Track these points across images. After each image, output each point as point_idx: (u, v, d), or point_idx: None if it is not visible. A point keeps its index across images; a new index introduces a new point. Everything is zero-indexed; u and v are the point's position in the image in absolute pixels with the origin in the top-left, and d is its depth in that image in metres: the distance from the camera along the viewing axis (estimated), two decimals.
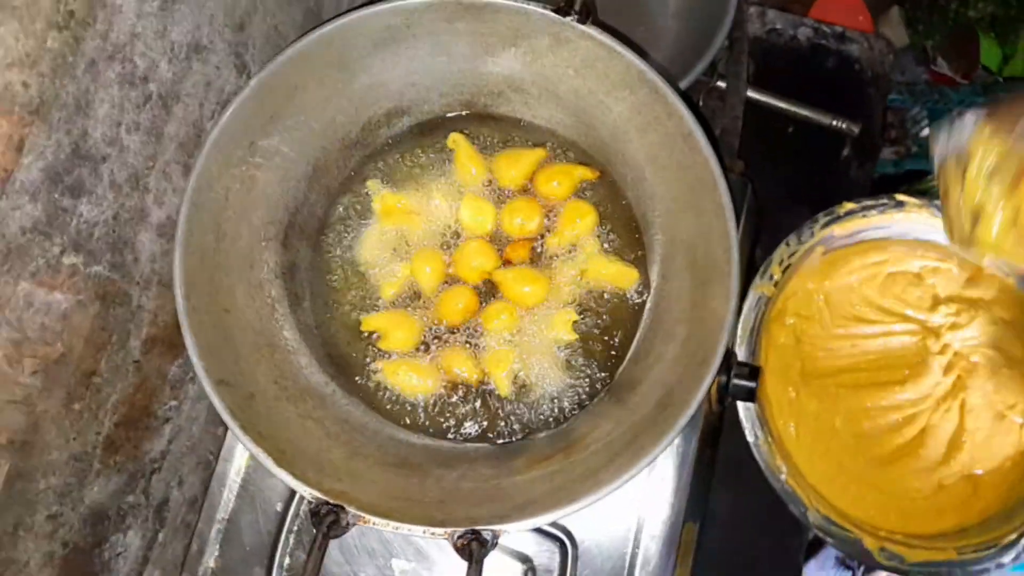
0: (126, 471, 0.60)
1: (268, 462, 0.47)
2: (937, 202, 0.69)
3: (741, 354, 0.69)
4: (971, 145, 0.54)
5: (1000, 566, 0.59)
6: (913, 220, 0.70)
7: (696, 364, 0.51)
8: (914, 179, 1.23)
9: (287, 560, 0.58)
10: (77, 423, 0.54)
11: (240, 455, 0.60)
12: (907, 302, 0.70)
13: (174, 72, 0.54)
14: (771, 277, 0.70)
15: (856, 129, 0.80)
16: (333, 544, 0.55)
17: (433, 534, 0.46)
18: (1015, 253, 0.57)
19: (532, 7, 0.53)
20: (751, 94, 0.80)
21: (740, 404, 0.67)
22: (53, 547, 0.54)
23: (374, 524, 0.46)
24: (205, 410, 0.69)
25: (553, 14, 0.53)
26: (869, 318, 0.71)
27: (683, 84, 0.73)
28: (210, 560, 0.59)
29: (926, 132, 1.29)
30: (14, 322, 0.46)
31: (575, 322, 0.59)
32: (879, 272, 0.72)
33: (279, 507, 0.60)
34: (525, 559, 0.58)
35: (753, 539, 0.76)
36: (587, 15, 0.53)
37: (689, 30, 0.81)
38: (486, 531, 0.46)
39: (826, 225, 0.70)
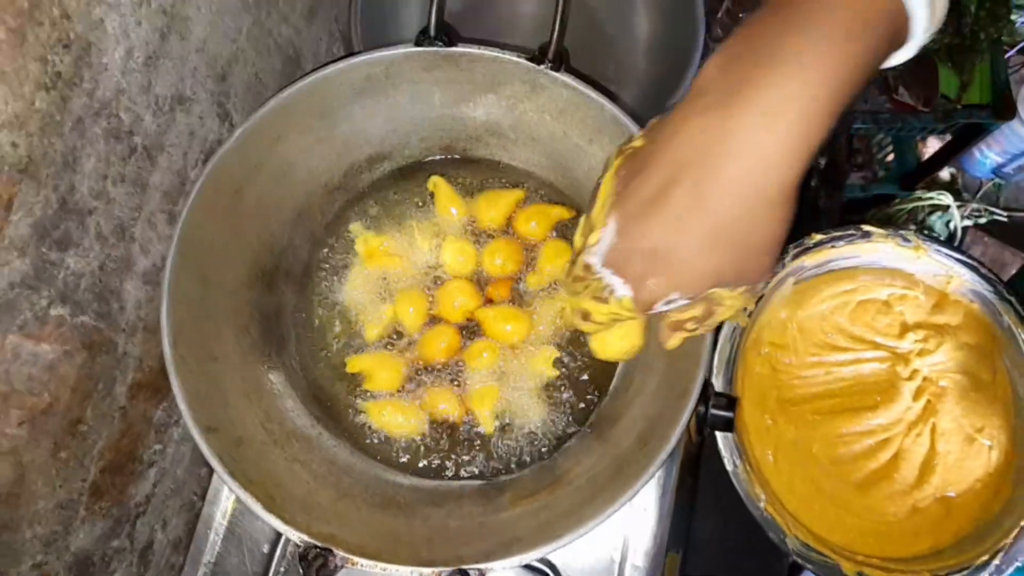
0: (111, 516, 0.60)
1: (257, 507, 0.48)
2: (903, 232, 0.72)
3: (719, 384, 0.71)
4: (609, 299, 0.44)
5: None
6: (880, 249, 0.72)
7: (675, 397, 0.53)
8: (882, 203, 1.27)
9: None
10: (63, 471, 0.54)
11: (226, 497, 0.61)
12: (877, 329, 0.72)
13: (158, 124, 0.55)
14: (745, 308, 0.72)
15: (823, 161, 0.83)
16: None
17: (421, 574, 0.47)
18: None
19: (507, 56, 0.55)
20: None
21: (719, 433, 0.68)
22: None
23: (362, 566, 0.47)
24: (189, 452, 0.69)
25: (527, 62, 0.54)
26: (841, 345, 0.73)
27: (658, 118, 0.75)
28: None
29: (891, 157, 1.33)
30: (1, 375, 0.47)
31: (556, 359, 0.60)
32: (849, 300, 0.74)
33: (266, 548, 0.60)
34: None
35: (736, 564, 0.77)
36: (560, 63, 0.55)
37: (659, 67, 0.84)
38: (472, 570, 0.47)
39: (796, 256, 0.72)
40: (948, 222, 1.30)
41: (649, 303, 0.42)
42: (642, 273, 0.41)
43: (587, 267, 0.43)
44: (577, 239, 0.46)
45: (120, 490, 0.60)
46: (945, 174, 1.39)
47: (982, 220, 1.32)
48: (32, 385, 0.49)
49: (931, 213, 1.26)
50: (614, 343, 0.50)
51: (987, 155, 1.33)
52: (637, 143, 0.43)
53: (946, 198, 1.30)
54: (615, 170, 0.44)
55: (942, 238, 1.20)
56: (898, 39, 0.38)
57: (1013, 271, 1.23)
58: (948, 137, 1.27)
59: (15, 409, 0.48)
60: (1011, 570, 0.61)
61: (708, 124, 0.37)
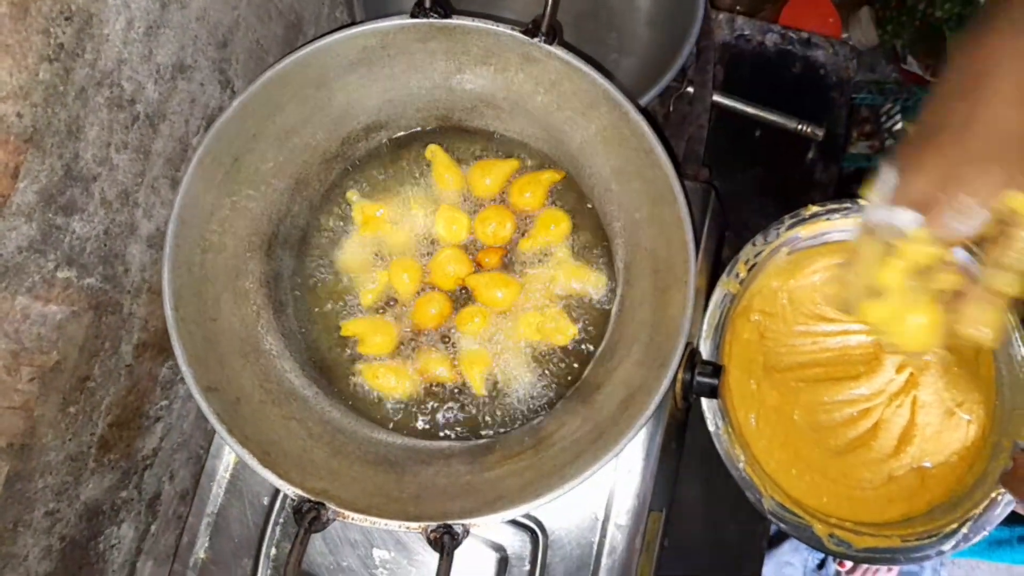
0: (119, 468, 0.64)
1: (253, 463, 0.51)
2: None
3: (706, 347, 0.72)
4: (907, 237, 0.45)
5: (940, 553, 0.63)
6: None
7: (657, 366, 0.55)
8: None
9: (273, 551, 0.62)
10: (72, 425, 0.57)
11: (229, 452, 0.64)
12: None
13: (160, 92, 0.56)
14: (737, 275, 0.73)
15: (820, 133, 0.83)
16: (317, 536, 0.59)
17: (408, 528, 0.50)
18: (901, 340, 0.50)
19: (501, 28, 0.55)
20: (720, 99, 0.83)
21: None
22: (51, 541, 0.58)
23: (353, 520, 0.49)
24: (195, 408, 0.72)
25: (521, 35, 0.55)
26: (829, 317, 0.74)
27: (653, 91, 0.75)
28: (200, 551, 0.63)
29: (899, 126, 1.32)
30: (12, 334, 0.49)
31: (544, 325, 0.62)
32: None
33: (266, 501, 0.63)
34: (499, 548, 0.62)
35: (718, 524, 0.80)
36: (554, 36, 0.55)
37: (660, 37, 0.84)
38: (457, 525, 0.49)
39: (792, 227, 0.73)
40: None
41: (940, 219, 0.42)
42: (931, 187, 0.42)
43: (869, 228, 0.45)
44: (851, 281, 0.48)
45: (127, 444, 0.63)
46: None
47: None
48: (41, 344, 0.52)
49: None
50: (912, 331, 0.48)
51: None
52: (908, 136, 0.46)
53: None
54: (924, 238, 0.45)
55: None
56: None
57: None
58: None
59: (25, 366, 0.51)
60: (978, 538, 0.63)
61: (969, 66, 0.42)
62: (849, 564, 1.16)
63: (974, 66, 0.43)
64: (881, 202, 0.45)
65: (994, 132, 0.41)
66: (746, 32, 0.89)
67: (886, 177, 0.44)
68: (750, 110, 0.84)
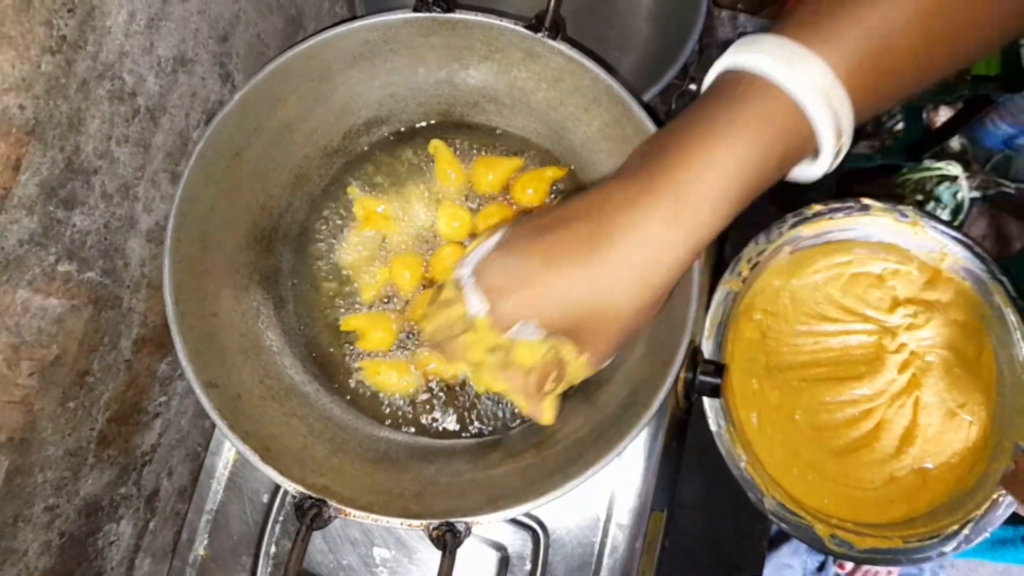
0: (118, 464, 0.63)
1: (254, 459, 0.50)
2: (901, 207, 0.72)
3: (708, 347, 0.72)
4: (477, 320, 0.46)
5: (942, 554, 0.63)
6: (877, 223, 0.73)
7: (660, 364, 0.54)
8: (889, 173, 1.26)
9: (273, 548, 0.62)
10: (72, 420, 0.56)
11: (228, 449, 0.63)
12: (868, 302, 0.73)
13: (161, 85, 0.56)
14: (739, 274, 0.73)
15: None
16: (317, 534, 0.59)
17: (410, 526, 0.49)
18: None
19: (504, 23, 0.55)
20: None
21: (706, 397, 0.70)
22: (50, 537, 0.57)
23: (354, 517, 0.49)
24: (193, 404, 0.72)
25: (525, 30, 0.55)
26: (831, 316, 0.74)
27: (655, 89, 0.75)
28: (200, 548, 0.62)
29: (900, 126, 1.32)
30: (12, 327, 0.49)
31: None
32: (843, 272, 0.75)
33: (265, 498, 0.63)
34: (500, 547, 0.61)
35: (719, 523, 0.80)
36: (557, 31, 0.55)
37: (661, 33, 0.83)
38: (459, 523, 0.49)
39: (794, 225, 0.73)
40: (956, 193, 1.30)
41: (506, 320, 0.43)
42: (507, 289, 0.42)
43: (456, 282, 0.45)
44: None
45: (126, 439, 0.63)
46: (956, 144, 1.38)
47: (991, 192, 1.32)
48: (41, 337, 0.51)
49: (939, 184, 1.26)
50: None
51: (999, 126, 1.32)
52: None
53: (954, 168, 1.30)
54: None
55: (949, 209, 1.20)
56: (803, 155, 0.40)
57: (1019, 245, 1.23)
58: (960, 106, 1.26)
59: (25, 360, 0.51)
60: (979, 540, 0.63)
61: (624, 201, 0.40)
62: (849, 566, 1.16)
63: (605, 201, 0.42)
64: (469, 262, 0.45)
65: (595, 278, 0.41)
66: (748, 30, 0.89)
67: (489, 242, 0.45)
68: None
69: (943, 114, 1.34)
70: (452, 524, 0.49)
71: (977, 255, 0.70)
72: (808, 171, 0.42)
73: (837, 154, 0.40)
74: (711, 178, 0.39)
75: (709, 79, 0.42)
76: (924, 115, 1.31)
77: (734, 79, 0.40)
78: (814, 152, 0.40)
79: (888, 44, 0.37)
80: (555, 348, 0.46)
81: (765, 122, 0.38)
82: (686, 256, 0.41)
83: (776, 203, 0.86)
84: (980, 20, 0.38)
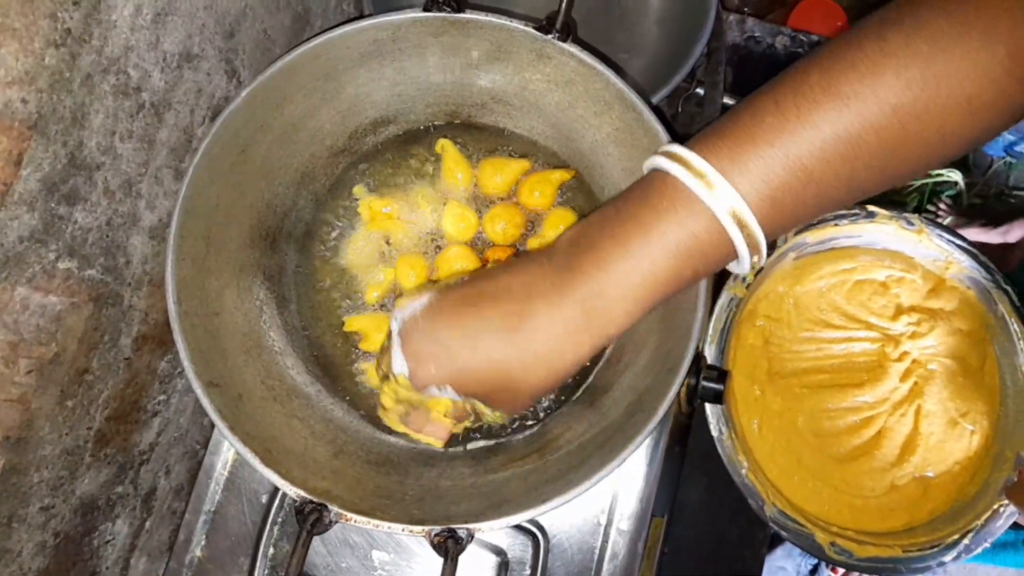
0: (116, 463, 0.63)
1: (255, 461, 0.50)
2: (907, 214, 0.72)
3: (711, 352, 0.72)
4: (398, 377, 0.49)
5: (942, 564, 0.63)
6: (882, 230, 0.73)
7: (665, 372, 0.54)
8: None
9: (271, 550, 0.61)
10: (70, 419, 0.56)
11: (227, 449, 0.63)
12: (871, 310, 0.73)
13: (166, 81, 0.55)
14: (743, 279, 0.73)
15: None
16: (316, 537, 0.58)
17: (411, 532, 0.49)
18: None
19: (515, 24, 0.55)
20: (729, 101, 0.82)
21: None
22: (45, 537, 0.57)
23: (356, 522, 0.49)
24: (193, 402, 0.71)
25: (535, 31, 0.54)
26: (835, 323, 0.74)
27: (663, 92, 0.75)
28: (197, 549, 0.62)
29: None
30: (11, 325, 0.48)
31: None
32: (847, 279, 0.75)
33: (264, 499, 0.62)
34: (499, 552, 0.61)
35: (719, 529, 0.80)
36: (568, 33, 0.55)
37: (670, 36, 0.83)
38: (461, 529, 0.49)
39: (799, 231, 0.73)
40: (956, 199, 1.30)
41: (423, 384, 0.46)
42: (428, 357, 0.45)
43: (388, 333, 0.48)
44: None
45: (124, 438, 0.62)
46: None
47: (991, 198, 1.32)
48: (40, 335, 0.51)
49: (939, 190, 1.26)
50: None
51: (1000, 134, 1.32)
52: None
53: (955, 175, 1.30)
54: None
55: (949, 216, 1.20)
56: (723, 261, 0.43)
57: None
58: None
59: (23, 358, 0.50)
60: (979, 549, 0.63)
61: (548, 287, 0.43)
62: (842, 570, 1.16)
63: (530, 287, 0.44)
64: (398, 317, 0.48)
65: (514, 358, 0.44)
66: (756, 34, 0.88)
67: (418, 303, 0.47)
68: None
69: None
70: (454, 531, 0.49)
71: (982, 264, 0.70)
72: (735, 267, 0.44)
73: (758, 261, 0.43)
74: (628, 284, 0.42)
75: (646, 168, 0.45)
76: None
77: (664, 181, 0.41)
78: (735, 256, 0.42)
79: (806, 175, 0.39)
80: (470, 403, 0.51)
81: (687, 234, 0.40)
82: (589, 351, 0.44)
83: None
84: (908, 150, 0.39)
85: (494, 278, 0.45)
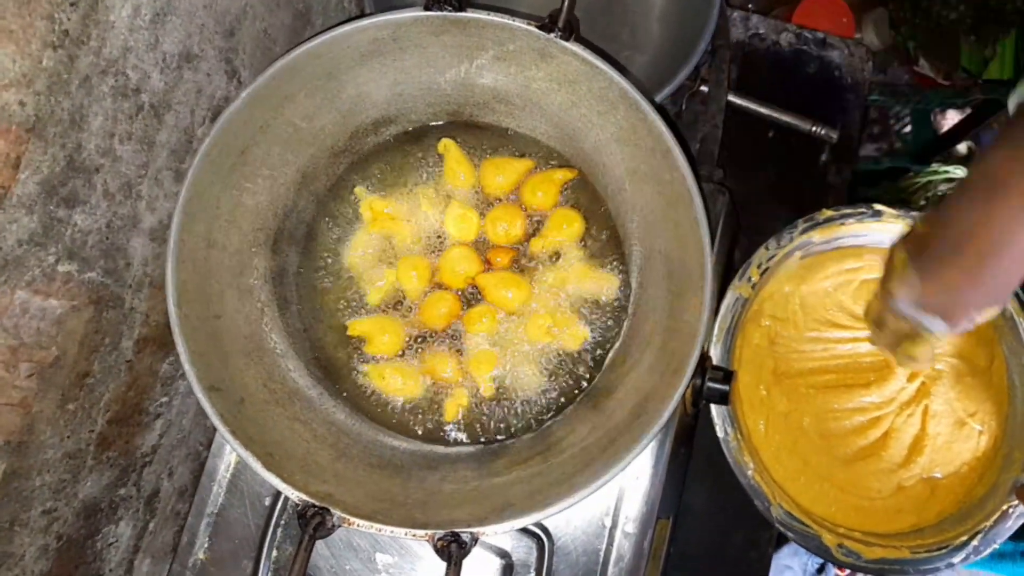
0: (118, 465, 0.62)
1: (257, 465, 0.49)
2: (914, 212, 0.71)
3: (717, 352, 0.71)
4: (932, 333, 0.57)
5: (950, 565, 0.62)
6: (889, 229, 0.72)
7: (670, 373, 0.53)
8: (896, 176, 1.26)
9: (274, 553, 0.61)
10: (71, 422, 0.55)
11: (229, 451, 0.62)
12: None
13: (166, 82, 0.55)
14: (749, 279, 0.72)
15: (835, 136, 0.82)
16: (319, 540, 0.58)
17: (415, 535, 0.48)
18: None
19: (517, 23, 0.54)
20: (733, 99, 0.81)
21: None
22: (48, 540, 0.56)
23: (359, 526, 0.48)
24: (195, 404, 0.71)
25: (537, 30, 0.54)
26: (841, 323, 0.73)
27: (666, 90, 0.74)
28: (200, 552, 0.62)
29: (908, 129, 1.31)
30: (10, 329, 0.48)
31: (554, 327, 0.61)
32: (854, 279, 0.74)
33: (267, 501, 0.62)
34: (503, 554, 0.61)
35: (725, 531, 0.79)
36: (570, 32, 0.54)
37: (673, 34, 0.82)
38: (465, 533, 0.48)
39: (805, 231, 0.72)
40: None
41: (959, 326, 0.54)
42: (953, 296, 0.53)
43: (897, 314, 0.57)
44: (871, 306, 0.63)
45: (127, 440, 0.62)
46: (962, 147, 1.37)
47: None
48: (40, 339, 0.51)
49: (947, 189, 1.25)
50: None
51: None
52: (920, 228, 0.56)
53: (961, 171, 1.29)
54: (904, 247, 0.56)
55: None
56: None
57: None
58: (968, 110, 1.25)
59: (24, 362, 0.50)
60: (988, 551, 0.62)
61: (994, 214, 0.48)
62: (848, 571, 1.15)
63: (988, 179, 0.49)
64: (906, 297, 0.55)
65: (1003, 265, 0.49)
66: (761, 31, 0.88)
67: (911, 281, 0.54)
68: (763, 110, 0.83)
69: (951, 117, 1.33)
70: (457, 535, 0.48)
71: None
72: None
73: None
74: None
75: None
76: (932, 118, 1.30)
77: None
78: None
79: None
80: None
81: None
82: None
83: (785, 207, 0.85)
84: None
85: (945, 234, 0.52)
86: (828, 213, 0.72)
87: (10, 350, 0.48)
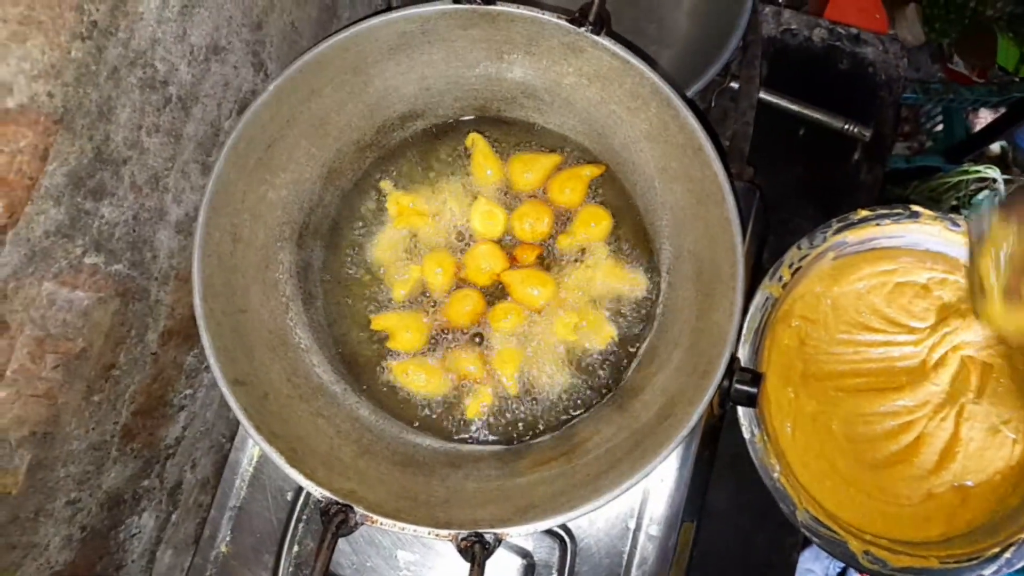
0: (142, 457, 0.63)
1: (280, 461, 0.49)
2: (952, 215, 0.69)
3: (745, 353, 0.70)
4: (991, 232, 0.60)
5: None
6: (926, 232, 0.70)
7: (699, 375, 0.53)
8: (926, 175, 1.23)
9: (296, 548, 0.61)
10: (96, 414, 0.55)
11: (252, 445, 0.62)
12: (912, 313, 0.71)
13: (193, 74, 0.55)
14: (780, 278, 0.71)
15: (867, 134, 0.80)
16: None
17: (437, 535, 0.48)
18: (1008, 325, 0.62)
19: (546, 16, 0.53)
20: (764, 96, 0.80)
21: None
22: (72, 531, 0.57)
23: (381, 524, 0.48)
24: (218, 396, 0.71)
25: (567, 23, 0.53)
26: (873, 326, 0.72)
27: (696, 86, 0.73)
28: (222, 545, 0.62)
29: (940, 128, 1.28)
30: (37, 320, 0.48)
31: (580, 326, 0.60)
32: (887, 281, 0.72)
33: (289, 496, 0.62)
34: (525, 554, 0.60)
35: (749, 534, 0.78)
36: (601, 26, 0.53)
37: (702, 29, 0.81)
38: (489, 534, 0.48)
39: (839, 231, 0.70)
40: (995, 197, 1.26)
41: None
42: None
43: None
44: (975, 293, 0.63)
45: (151, 432, 0.62)
46: (995, 147, 1.34)
47: None
48: (67, 330, 0.50)
49: (977, 190, 1.23)
50: None
51: None
52: None
53: (993, 172, 1.26)
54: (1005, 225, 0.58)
55: None
56: None
57: None
58: (1002, 109, 1.22)
59: (50, 353, 0.50)
60: (1021, 564, 0.61)
61: None
62: None
63: None
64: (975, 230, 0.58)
65: None
66: (793, 26, 0.86)
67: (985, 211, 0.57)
68: (795, 108, 0.81)
69: (983, 117, 1.30)
70: (481, 535, 0.48)
71: None
72: None
73: None
74: None
75: None
76: (964, 117, 1.27)
77: None
78: None
79: None
80: None
81: None
82: None
83: (815, 205, 0.84)
84: None
85: None
86: (864, 213, 0.70)
87: (36, 341, 0.48)
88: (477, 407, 0.60)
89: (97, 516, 0.59)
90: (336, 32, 0.53)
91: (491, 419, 0.60)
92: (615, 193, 0.63)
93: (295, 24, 0.66)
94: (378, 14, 0.53)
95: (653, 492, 0.61)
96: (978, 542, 0.63)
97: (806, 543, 1.10)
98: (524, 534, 0.50)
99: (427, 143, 0.64)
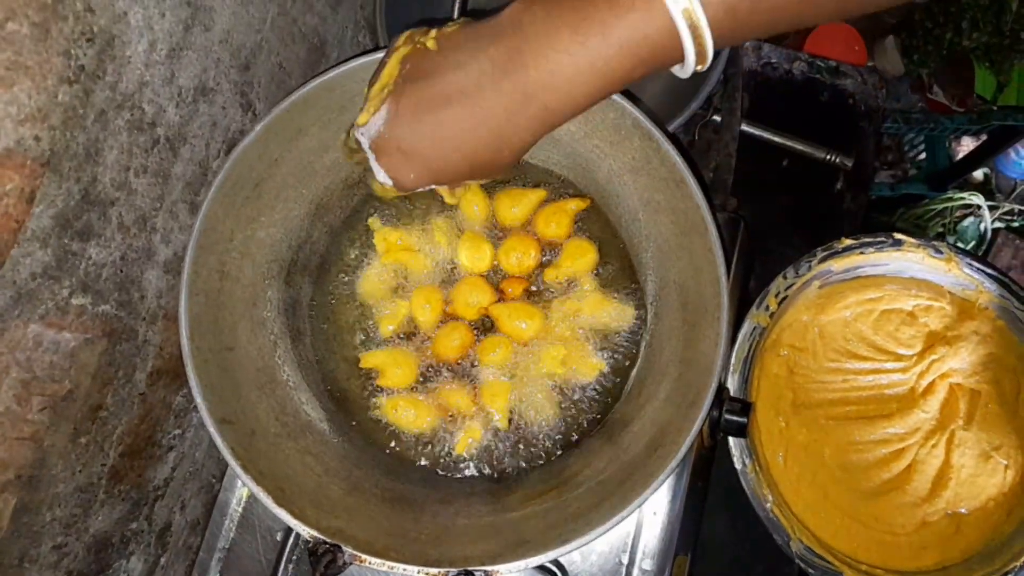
0: (130, 499, 0.62)
1: (268, 501, 0.49)
2: (935, 242, 0.70)
3: (734, 383, 0.70)
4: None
5: None
6: (910, 259, 0.71)
7: (687, 405, 0.53)
8: (911, 202, 1.25)
9: None
10: (83, 456, 0.55)
11: (241, 485, 0.62)
12: (900, 340, 0.71)
13: (181, 115, 0.55)
14: (767, 308, 0.71)
15: (849, 163, 0.82)
16: None
17: (427, 574, 0.48)
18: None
19: None
20: (746, 128, 0.81)
21: None
22: None
23: (370, 564, 0.47)
24: (208, 436, 0.70)
25: None
26: (861, 354, 0.72)
27: (679, 120, 0.74)
28: None
29: (923, 156, 1.30)
30: (23, 362, 0.48)
31: (568, 358, 0.60)
32: (873, 309, 0.73)
33: (279, 536, 0.61)
34: None
35: (745, 565, 0.78)
36: None
37: None
38: (479, 571, 0.47)
39: (824, 260, 0.71)
40: (979, 224, 1.28)
41: (408, 189, 0.48)
42: (400, 166, 0.47)
43: (357, 142, 0.48)
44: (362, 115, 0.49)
45: (139, 474, 0.62)
46: (979, 174, 1.36)
47: (1015, 223, 1.30)
48: (53, 372, 0.50)
49: (962, 216, 1.24)
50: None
51: (1023, 156, 1.30)
52: (430, 43, 0.46)
53: (977, 198, 1.28)
54: (401, 58, 0.47)
55: (972, 240, 1.18)
56: (670, 64, 0.42)
57: None
58: (984, 137, 1.24)
59: (36, 395, 0.49)
60: None
61: (499, 76, 0.42)
62: None
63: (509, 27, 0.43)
64: (364, 132, 0.48)
65: (483, 137, 0.45)
66: (773, 60, 0.88)
67: (378, 117, 0.47)
68: (777, 139, 0.82)
69: (966, 144, 1.32)
70: (471, 573, 0.47)
71: (1013, 293, 0.68)
72: (678, 71, 0.44)
73: (701, 69, 0.42)
74: (581, 80, 0.42)
75: None
76: (947, 145, 1.29)
77: None
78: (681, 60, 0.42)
79: None
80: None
81: (641, 35, 0.40)
82: (538, 135, 0.46)
83: (800, 234, 0.85)
84: None
85: (443, 74, 0.45)
86: (847, 242, 0.71)
87: (23, 384, 0.48)
88: (467, 442, 0.59)
89: (84, 560, 0.58)
90: (323, 72, 0.54)
91: (481, 454, 0.60)
92: (600, 226, 0.63)
93: (283, 64, 0.67)
94: (365, 54, 0.54)
95: (646, 525, 0.60)
96: (974, 570, 0.63)
97: (802, 574, 1.09)
98: (516, 570, 0.49)
99: None
